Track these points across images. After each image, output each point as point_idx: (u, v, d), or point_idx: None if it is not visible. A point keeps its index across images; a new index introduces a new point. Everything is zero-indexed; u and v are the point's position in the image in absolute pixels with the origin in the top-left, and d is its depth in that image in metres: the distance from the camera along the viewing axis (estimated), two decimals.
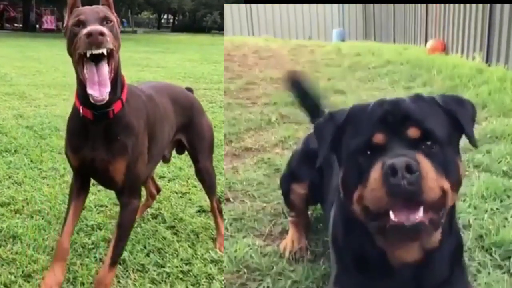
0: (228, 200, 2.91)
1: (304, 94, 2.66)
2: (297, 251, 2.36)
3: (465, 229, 2.46)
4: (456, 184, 1.40)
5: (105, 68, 1.81)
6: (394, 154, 1.32)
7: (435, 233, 1.43)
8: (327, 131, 1.57)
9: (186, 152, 2.70)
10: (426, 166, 1.30)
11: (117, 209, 3.02)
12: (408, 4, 11.38)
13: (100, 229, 2.77)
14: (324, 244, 2.38)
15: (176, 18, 54.68)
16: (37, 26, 35.43)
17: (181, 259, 2.47)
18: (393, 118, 1.42)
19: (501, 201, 2.72)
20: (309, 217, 2.60)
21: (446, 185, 1.35)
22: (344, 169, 1.50)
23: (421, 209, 1.31)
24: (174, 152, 2.71)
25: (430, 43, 9.19)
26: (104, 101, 1.80)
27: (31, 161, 3.95)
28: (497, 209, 2.64)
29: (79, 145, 2.03)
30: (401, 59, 7.71)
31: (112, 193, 2.77)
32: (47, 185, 3.44)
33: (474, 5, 7.63)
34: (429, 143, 1.39)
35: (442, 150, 1.39)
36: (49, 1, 36.79)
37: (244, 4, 16.09)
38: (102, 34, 1.75)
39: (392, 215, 1.31)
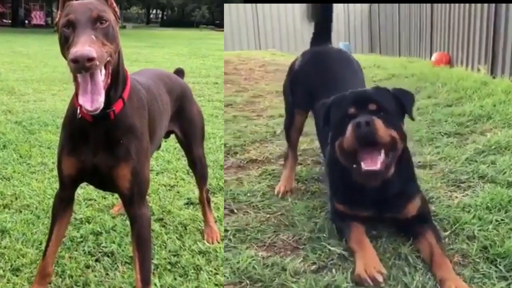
0: (232, 211, 2.90)
1: (328, 14, 3.28)
2: (288, 190, 3.07)
3: (470, 240, 2.46)
4: (401, 135, 2.26)
5: (99, 77, 1.64)
6: (360, 117, 2.19)
7: (389, 171, 2.27)
8: (322, 111, 2.51)
9: (172, 145, 2.70)
10: (378, 122, 2.17)
11: (106, 202, 3.13)
12: (413, 17, 11.42)
13: (89, 223, 2.84)
14: (327, 256, 2.37)
15: (165, 13, 55.88)
16: (26, 21, 35.45)
17: (169, 251, 2.54)
18: (360, 99, 2.33)
19: (506, 212, 2.70)
20: (297, 157, 3.36)
21: (394, 133, 2.22)
22: (333, 131, 2.42)
23: (381, 155, 2.19)
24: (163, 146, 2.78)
25: (435, 56, 9.21)
26: (97, 111, 1.64)
27: (20, 156, 4.02)
28: (502, 220, 2.62)
29: (78, 149, 1.89)
30: (406, 72, 7.71)
31: None
32: (36, 179, 3.51)
33: (478, 17, 7.65)
34: (382, 113, 2.24)
35: (390, 117, 2.26)
36: None
37: (251, 19, 16.15)
38: (90, 60, 1.52)
39: (363, 165, 2.19)
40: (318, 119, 2.61)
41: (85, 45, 1.54)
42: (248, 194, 3.10)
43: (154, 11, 60.05)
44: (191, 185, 3.42)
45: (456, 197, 2.97)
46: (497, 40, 7.03)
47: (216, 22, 48.00)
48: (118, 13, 1.82)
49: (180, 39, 23.62)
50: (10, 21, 35.48)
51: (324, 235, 2.56)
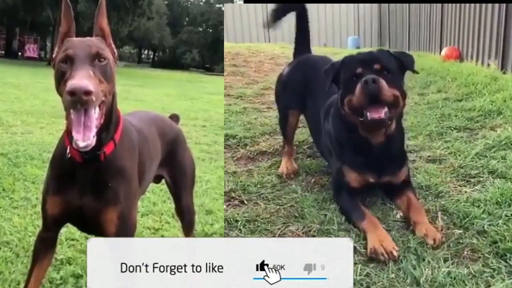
0: (242, 202, 2.92)
1: (304, 28, 3.75)
2: (291, 172, 3.28)
3: (480, 235, 2.46)
4: (402, 93, 2.57)
5: (92, 114, 1.59)
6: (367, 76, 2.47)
7: (391, 125, 2.61)
8: (331, 72, 2.78)
9: (158, 186, 2.55)
10: (382, 81, 2.45)
11: None
12: (423, 11, 11.35)
13: (70, 264, 2.71)
14: None
15: (156, 54, 56.69)
16: (19, 53, 35.72)
17: None
18: (366, 60, 2.61)
19: None
20: (293, 147, 3.62)
21: (396, 92, 2.51)
22: (342, 89, 2.68)
23: (385, 109, 2.47)
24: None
25: (445, 50, 9.16)
26: (88, 148, 1.59)
27: (3, 189, 3.87)
28: (511, 215, 2.62)
29: (64, 189, 1.80)
30: (416, 66, 7.67)
31: None
32: (18, 215, 3.37)
33: (489, 13, 7.60)
34: (385, 72, 2.53)
35: (393, 76, 2.56)
36: (33, 29, 37.00)
37: (261, 12, 16.11)
38: (87, 93, 1.49)
39: (368, 114, 2.47)
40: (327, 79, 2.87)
41: (83, 79, 1.51)
42: (258, 186, 3.12)
43: (146, 52, 60.81)
44: (176, 230, 3.32)
45: (466, 191, 2.97)
46: (508, 35, 6.98)
47: (206, 66, 49.39)
48: (116, 54, 1.80)
49: (170, 80, 23.55)
50: (3, 52, 35.33)
51: (334, 227, 2.57)
